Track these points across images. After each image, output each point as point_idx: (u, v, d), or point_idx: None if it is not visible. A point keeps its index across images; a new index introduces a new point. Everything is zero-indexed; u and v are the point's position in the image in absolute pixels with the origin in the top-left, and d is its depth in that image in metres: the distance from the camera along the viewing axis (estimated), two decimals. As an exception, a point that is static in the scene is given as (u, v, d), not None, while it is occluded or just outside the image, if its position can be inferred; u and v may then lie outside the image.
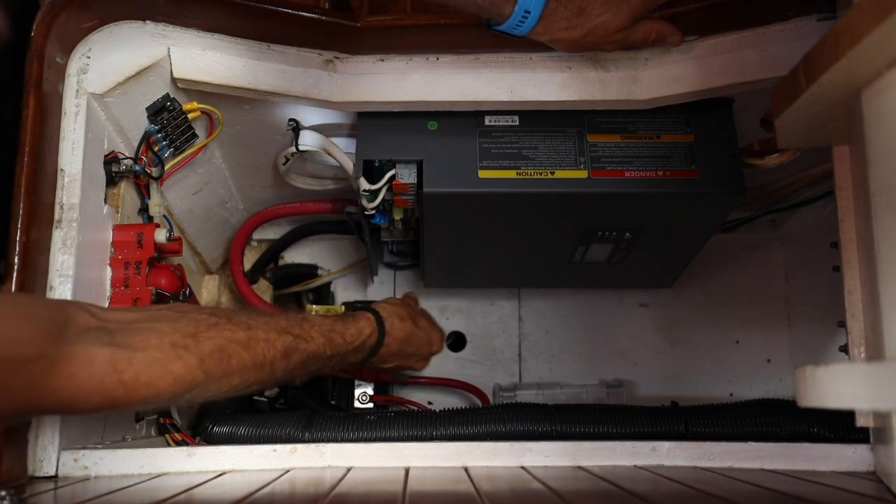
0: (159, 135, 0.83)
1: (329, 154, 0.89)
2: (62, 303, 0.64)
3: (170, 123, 0.83)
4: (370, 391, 1.07)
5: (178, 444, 0.84)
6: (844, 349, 0.70)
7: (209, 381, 0.62)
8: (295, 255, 1.19)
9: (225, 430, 0.82)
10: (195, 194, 0.99)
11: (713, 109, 0.83)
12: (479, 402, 1.10)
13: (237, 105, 0.85)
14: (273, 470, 0.68)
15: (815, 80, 0.56)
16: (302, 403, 1.02)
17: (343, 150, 0.89)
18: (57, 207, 0.71)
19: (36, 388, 0.52)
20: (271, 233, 1.18)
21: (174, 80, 0.80)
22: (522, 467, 0.68)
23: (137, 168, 0.80)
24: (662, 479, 0.63)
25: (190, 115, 0.84)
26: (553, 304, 1.17)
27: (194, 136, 0.86)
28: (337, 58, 0.80)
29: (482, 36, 0.77)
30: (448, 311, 1.17)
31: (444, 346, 0.97)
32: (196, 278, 1.08)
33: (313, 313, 1.04)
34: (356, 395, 1.07)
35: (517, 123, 0.84)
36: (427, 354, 0.95)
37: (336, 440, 0.76)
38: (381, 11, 1.04)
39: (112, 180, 0.79)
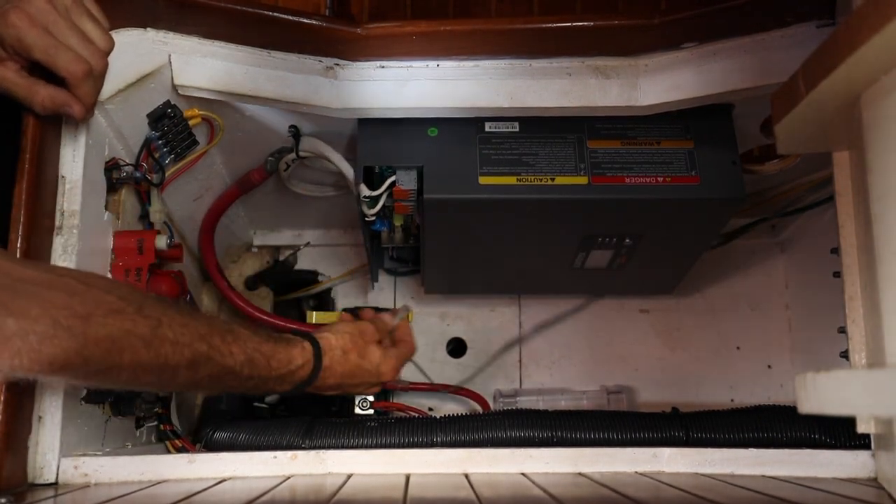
0: (160, 141, 0.83)
1: (329, 160, 0.89)
2: None
3: (170, 130, 0.83)
4: (371, 398, 1.07)
5: (179, 450, 0.84)
6: (845, 355, 0.70)
7: (89, 369, 0.55)
8: (295, 261, 1.19)
9: (225, 436, 0.82)
10: (196, 201, 0.99)
11: (713, 115, 0.83)
12: (479, 409, 1.10)
13: (238, 112, 0.85)
14: (273, 477, 0.67)
15: (814, 87, 0.56)
16: (303, 410, 1.02)
17: (343, 157, 0.89)
18: (58, 214, 0.70)
19: None
20: (272, 239, 1.18)
21: (175, 87, 0.80)
22: (523, 474, 0.68)
23: (138, 175, 0.80)
24: (663, 486, 0.63)
25: (191, 122, 0.84)
26: (553, 310, 1.17)
27: (195, 142, 0.87)
28: (337, 64, 0.80)
29: (483, 42, 0.77)
30: (448, 318, 1.17)
31: (398, 374, 0.87)
32: (197, 285, 1.08)
33: (313, 319, 1.04)
34: (357, 402, 1.06)
35: (517, 130, 0.84)
36: (375, 384, 0.85)
37: (337, 447, 0.76)
38: (381, 18, 1.05)
39: (113, 187, 0.79)
